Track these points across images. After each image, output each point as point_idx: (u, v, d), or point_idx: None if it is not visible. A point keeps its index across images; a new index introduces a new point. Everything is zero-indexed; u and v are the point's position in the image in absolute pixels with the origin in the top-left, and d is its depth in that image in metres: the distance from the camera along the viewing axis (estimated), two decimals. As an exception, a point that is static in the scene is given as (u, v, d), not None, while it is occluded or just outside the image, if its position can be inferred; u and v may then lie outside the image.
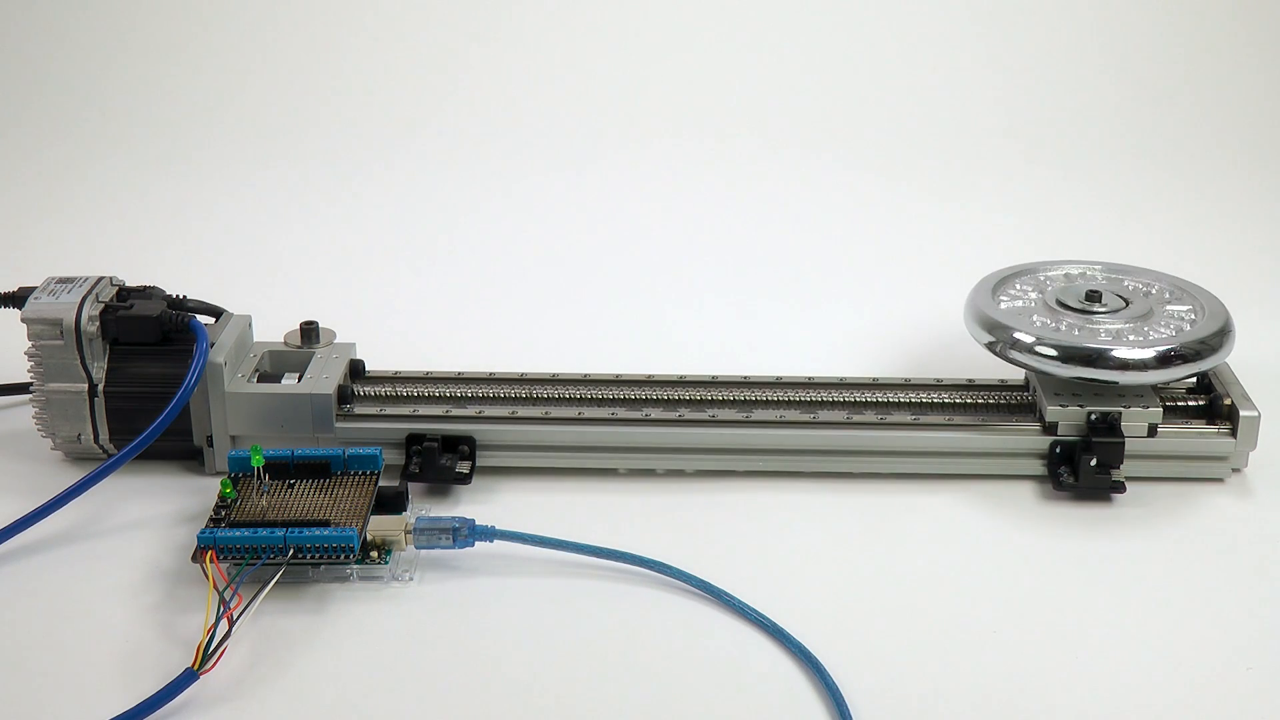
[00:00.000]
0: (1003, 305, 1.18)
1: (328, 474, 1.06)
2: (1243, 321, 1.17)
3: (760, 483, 1.13)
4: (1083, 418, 1.11)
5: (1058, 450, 1.11)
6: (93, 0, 1.79)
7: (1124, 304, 1.17)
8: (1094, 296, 1.17)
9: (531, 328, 1.38)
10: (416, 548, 1.02)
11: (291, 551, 0.98)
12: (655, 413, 1.14)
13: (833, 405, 1.15)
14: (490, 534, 1.02)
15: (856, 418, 1.13)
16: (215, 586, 0.94)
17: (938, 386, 1.16)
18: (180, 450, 1.13)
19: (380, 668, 0.93)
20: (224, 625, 0.92)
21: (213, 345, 1.11)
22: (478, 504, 1.10)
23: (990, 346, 1.14)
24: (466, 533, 1.02)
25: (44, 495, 1.04)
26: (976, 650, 0.95)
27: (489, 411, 1.13)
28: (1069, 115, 1.73)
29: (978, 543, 1.06)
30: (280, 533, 0.97)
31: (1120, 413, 1.10)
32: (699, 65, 1.77)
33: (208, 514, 1.02)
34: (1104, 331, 1.13)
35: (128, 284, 1.16)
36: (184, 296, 1.16)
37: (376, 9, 1.79)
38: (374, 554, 1.01)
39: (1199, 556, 1.05)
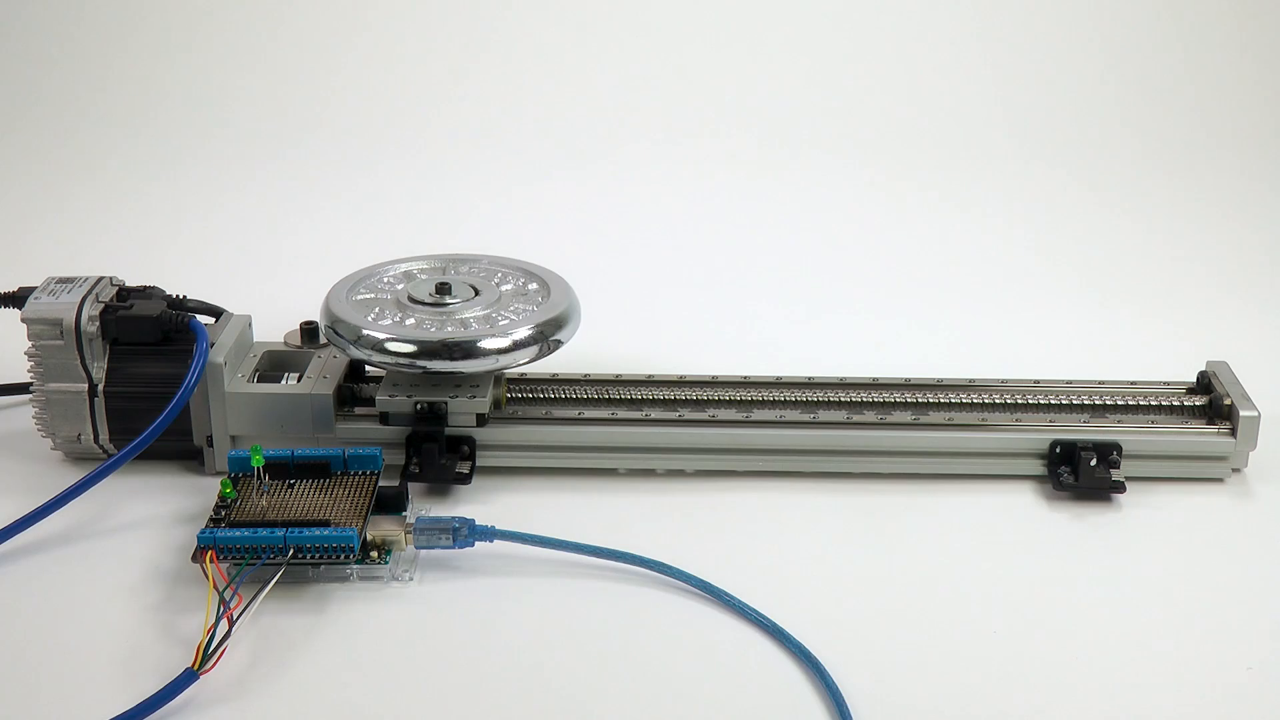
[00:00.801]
0: (358, 303, 1.15)
1: (328, 474, 1.06)
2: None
3: (760, 483, 1.13)
4: (410, 406, 1.10)
5: (1058, 450, 1.11)
6: (93, 1, 1.79)
7: (474, 293, 1.16)
8: (444, 289, 1.15)
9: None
10: (416, 548, 1.02)
11: (291, 551, 0.98)
12: (655, 413, 1.14)
13: (833, 405, 1.15)
14: (490, 534, 1.02)
15: (856, 418, 1.13)
16: (215, 586, 0.94)
17: (938, 386, 1.16)
18: (180, 450, 1.13)
19: (380, 668, 0.93)
20: (224, 625, 0.92)
21: (213, 345, 1.11)
22: (478, 504, 1.10)
23: (344, 346, 1.12)
24: (466, 533, 1.02)
25: (44, 495, 1.04)
26: (976, 650, 0.95)
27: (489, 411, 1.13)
28: (1069, 115, 1.73)
29: (978, 543, 1.06)
30: (280, 533, 0.97)
31: (447, 402, 1.10)
32: (698, 65, 1.77)
33: (208, 514, 1.01)
34: (466, 321, 1.12)
35: (128, 284, 1.16)
36: (184, 296, 1.16)
37: (377, 9, 1.79)
38: (374, 554, 1.01)
39: (1199, 556, 1.05)
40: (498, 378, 1.14)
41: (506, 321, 1.12)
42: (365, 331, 1.10)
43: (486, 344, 1.09)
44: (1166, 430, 1.12)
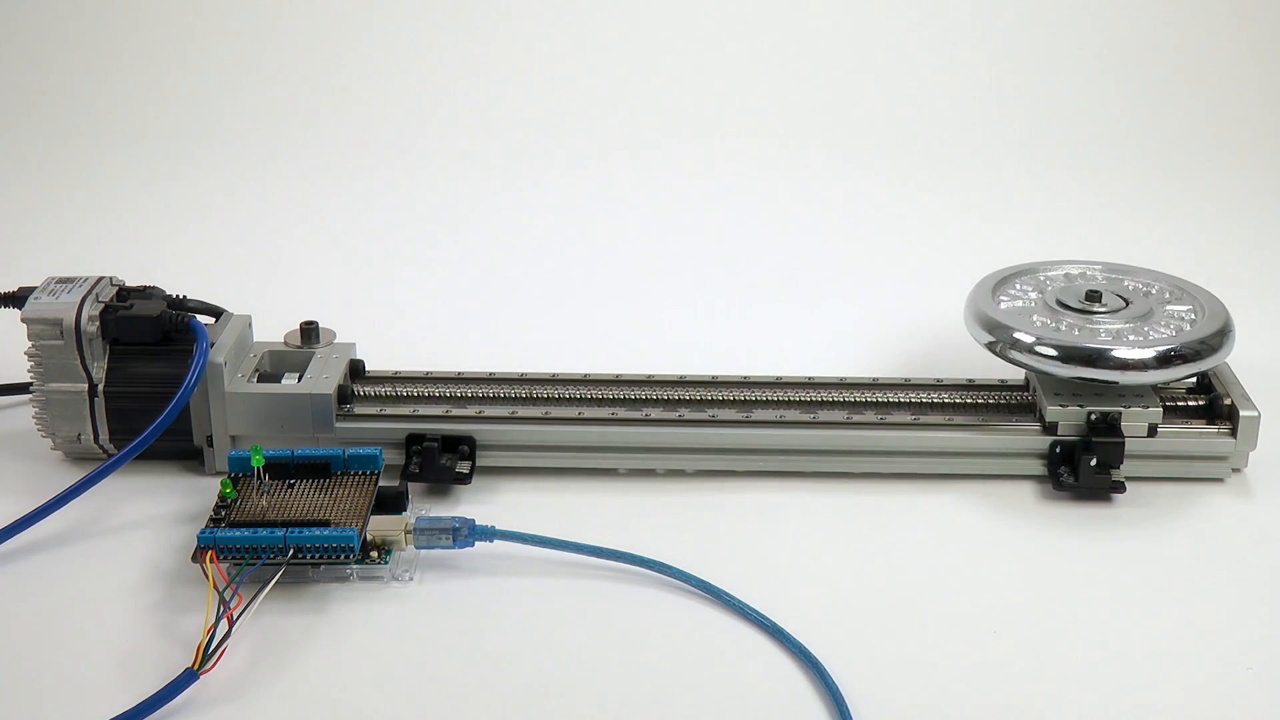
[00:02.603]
0: (1003, 305, 1.18)
1: (328, 474, 1.06)
2: (1243, 321, 1.17)
3: (760, 483, 1.13)
4: (1083, 418, 1.11)
5: (1058, 450, 1.11)
6: (93, 1, 1.79)
7: (1124, 304, 1.17)
8: (1094, 296, 1.17)
9: (531, 328, 1.38)
10: (416, 548, 1.02)
11: (291, 551, 0.98)
12: (655, 413, 1.14)
13: (833, 405, 1.15)
14: (490, 534, 1.02)
15: (856, 418, 1.13)
16: (215, 586, 0.94)
17: (938, 386, 1.16)
18: (180, 450, 1.13)
19: (380, 668, 0.93)
20: (224, 625, 0.92)
21: (213, 345, 1.11)
22: (478, 504, 1.10)
23: (990, 346, 1.14)
24: (466, 533, 1.02)
25: (44, 495, 1.04)
26: (976, 650, 0.95)
27: (489, 411, 1.13)
28: (1070, 116, 1.73)
29: (978, 543, 1.06)
30: (280, 533, 0.97)
31: (1120, 413, 1.10)
32: (698, 65, 1.78)
33: (208, 514, 1.01)
34: (1104, 331, 1.13)
35: (128, 284, 1.16)
36: (184, 296, 1.16)
37: (377, 9, 1.79)
38: (374, 554, 1.01)
39: (1199, 556, 1.05)
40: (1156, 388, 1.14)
41: (1171, 334, 1.13)
42: (1085, 344, 1.11)
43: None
44: (1166, 430, 1.12)
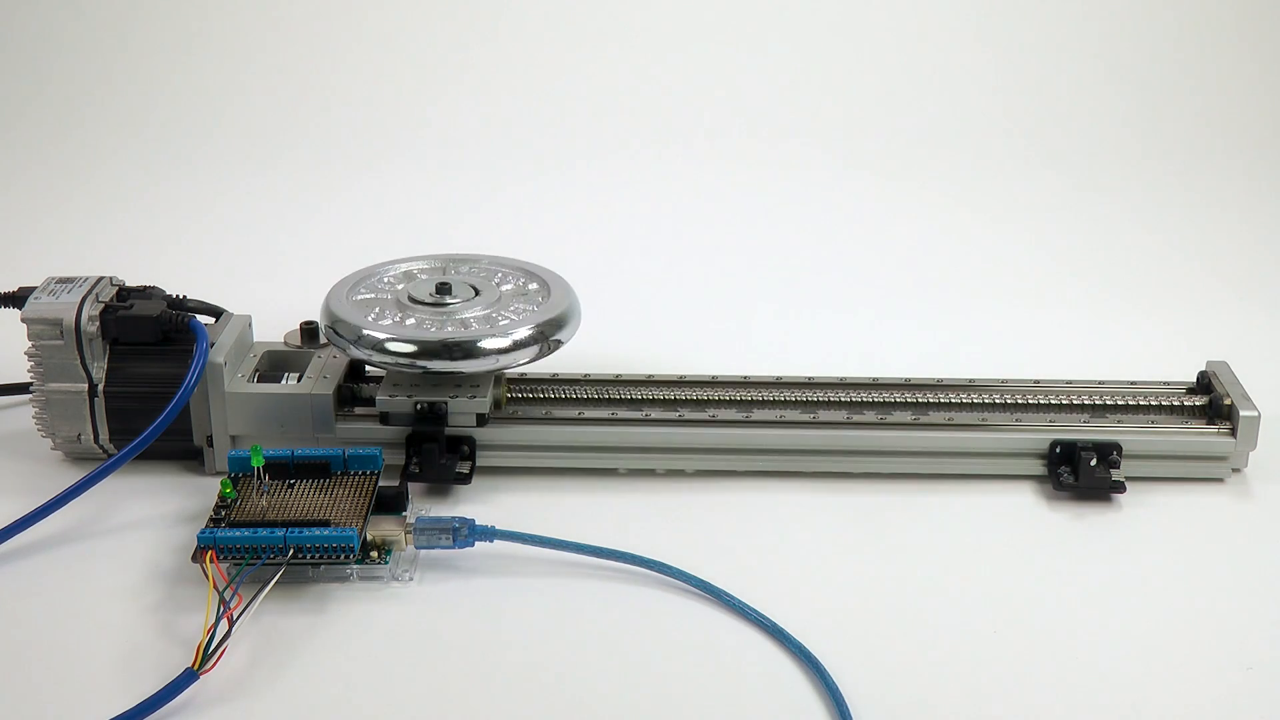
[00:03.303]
0: (358, 303, 1.15)
1: (328, 474, 1.06)
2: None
3: (760, 483, 1.13)
4: (410, 406, 1.10)
5: (1058, 450, 1.11)
6: (93, 1, 1.79)
7: (475, 293, 1.16)
8: (444, 288, 1.15)
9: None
10: (416, 548, 1.02)
11: (291, 551, 0.98)
12: (655, 413, 1.14)
13: (833, 405, 1.15)
14: (490, 534, 1.02)
15: (856, 418, 1.13)
16: (215, 586, 0.94)
17: (938, 386, 1.16)
18: (180, 450, 1.13)
19: (380, 668, 0.93)
20: (224, 625, 0.92)
21: (213, 345, 1.11)
22: (478, 504, 1.10)
23: (345, 346, 1.12)
24: (466, 533, 1.02)
25: (44, 495, 1.04)
26: (976, 650, 0.95)
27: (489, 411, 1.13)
28: (1070, 115, 1.73)
29: (978, 542, 1.06)
30: (280, 533, 0.97)
31: (447, 402, 1.10)
32: (699, 65, 1.77)
33: (208, 514, 1.01)
34: (466, 321, 1.12)
35: (128, 284, 1.16)
36: (184, 296, 1.16)
37: (376, 10, 1.79)
38: (374, 554, 1.01)
39: (1199, 556, 1.05)
40: (498, 378, 1.14)
41: (507, 321, 1.12)
42: (366, 331, 1.10)
43: (487, 344, 1.09)
44: (1166, 430, 1.12)
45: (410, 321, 1.12)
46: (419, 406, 1.10)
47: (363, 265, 1.21)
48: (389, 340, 1.09)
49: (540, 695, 0.91)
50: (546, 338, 1.11)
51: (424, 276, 1.19)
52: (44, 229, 1.57)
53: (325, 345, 1.16)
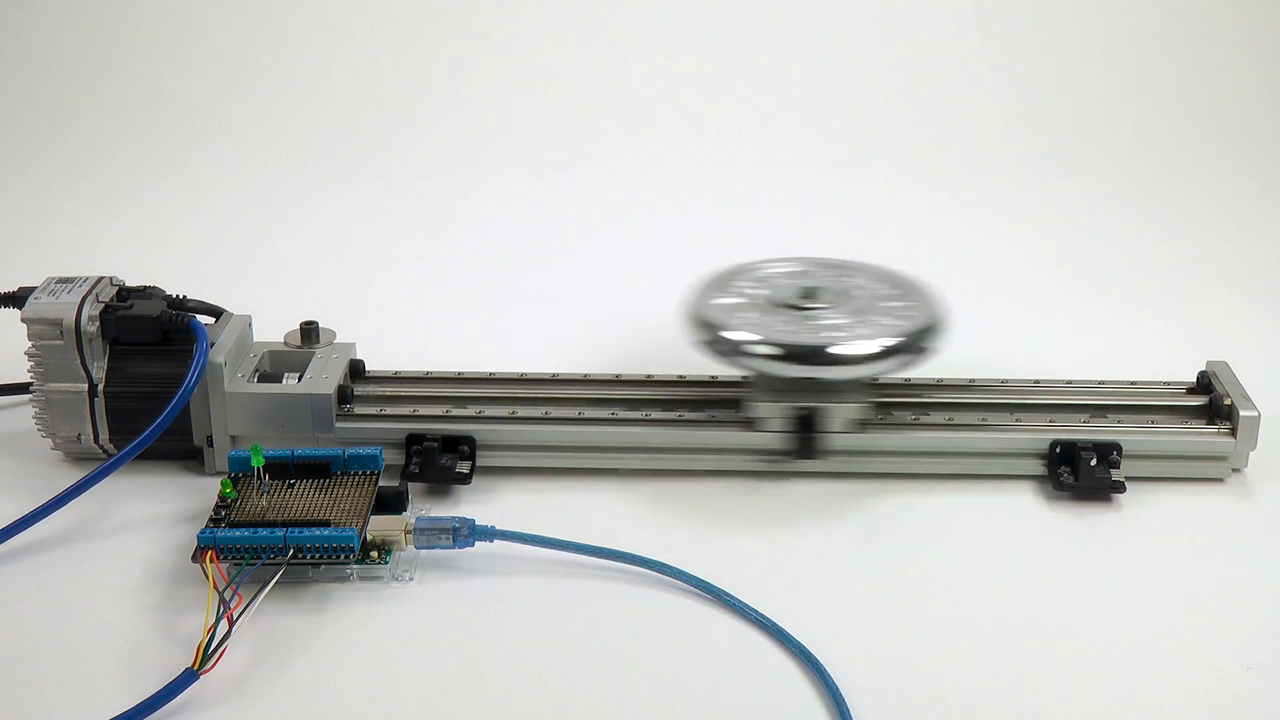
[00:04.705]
0: (721, 303, 1.15)
1: (328, 474, 1.06)
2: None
3: (760, 483, 1.13)
4: (781, 413, 1.10)
5: (1058, 450, 1.11)
6: (93, 1, 1.79)
7: (840, 298, 1.16)
8: (811, 293, 1.15)
9: (531, 328, 1.38)
10: (416, 548, 1.02)
11: (291, 551, 0.98)
12: (655, 413, 1.14)
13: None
14: (490, 534, 1.02)
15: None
16: (215, 586, 0.94)
17: (938, 386, 1.16)
18: (180, 450, 1.13)
19: (380, 668, 0.93)
20: (224, 625, 0.92)
21: (213, 345, 1.11)
22: (478, 504, 1.10)
23: (706, 345, 1.12)
24: (466, 533, 1.02)
25: (44, 495, 1.04)
26: (976, 650, 0.95)
27: (489, 411, 1.13)
28: (1070, 115, 1.73)
29: (978, 543, 1.06)
30: (280, 533, 0.97)
31: (819, 409, 1.10)
32: (699, 64, 1.77)
33: (208, 514, 1.01)
34: (821, 327, 1.12)
35: (128, 284, 1.16)
36: (184, 296, 1.16)
37: (376, 10, 1.79)
38: (374, 554, 1.01)
39: (1199, 556, 1.05)
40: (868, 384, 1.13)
41: (875, 329, 1.11)
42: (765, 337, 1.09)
43: (855, 350, 1.08)
44: (1166, 430, 1.12)
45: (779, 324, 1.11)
46: (799, 413, 1.09)
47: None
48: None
49: (540, 695, 0.91)
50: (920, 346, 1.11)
51: (787, 280, 1.17)
52: (44, 229, 1.57)
53: (325, 345, 1.16)
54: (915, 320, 1.12)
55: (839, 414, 1.10)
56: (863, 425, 1.11)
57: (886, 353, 1.09)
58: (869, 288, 1.17)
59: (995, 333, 1.38)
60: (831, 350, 1.08)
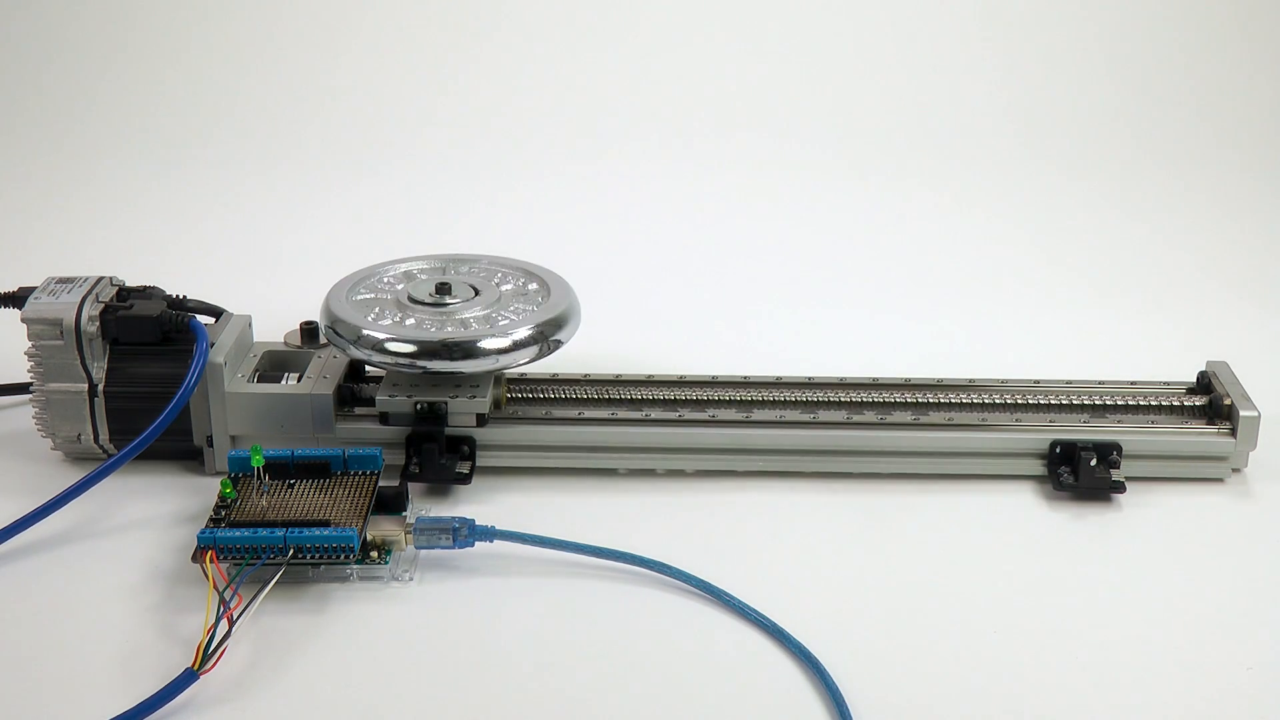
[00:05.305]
0: (357, 303, 1.15)
1: (328, 474, 1.06)
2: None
3: (760, 483, 1.13)
4: (410, 406, 1.10)
5: (1058, 450, 1.11)
6: (93, 1, 1.79)
7: (475, 293, 1.16)
8: (444, 289, 1.15)
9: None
10: (416, 548, 1.02)
11: (291, 551, 0.98)
12: (655, 413, 1.14)
13: (833, 405, 1.15)
14: (490, 534, 1.02)
15: (856, 418, 1.13)
16: (215, 586, 0.94)
17: (938, 386, 1.16)
18: (180, 450, 1.13)
19: (380, 668, 0.93)
20: (224, 625, 0.92)
21: (213, 345, 1.11)
22: (478, 504, 1.10)
23: (344, 346, 1.12)
24: (466, 533, 1.02)
25: (44, 495, 1.04)
26: (976, 650, 0.95)
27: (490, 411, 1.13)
28: (1070, 114, 1.73)
29: (978, 543, 1.06)
30: (280, 533, 0.97)
31: (447, 402, 1.10)
32: (699, 64, 1.77)
33: (208, 514, 1.01)
34: (466, 321, 1.12)
35: (128, 284, 1.16)
36: (184, 296, 1.16)
37: (376, 10, 1.79)
38: (374, 554, 1.01)
39: (1199, 556, 1.05)
40: (498, 378, 1.14)
41: (506, 321, 1.12)
42: (365, 331, 1.10)
43: (486, 344, 1.09)
44: (1166, 430, 1.12)
45: (410, 321, 1.12)
46: (419, 406, 1.10)
47: (363, 265, 1.21)
48: (389, 340, 1.09)
49: (540, 695, 0.91)
50: (546, 338, 1.11)
51: (424, 276, 1.19)
52: (44, 229, 1.57)
53: (325, 345, 1.16)
54: (545, 313, 1.12)
55: (466, 408, 1.10)
56: (486, 420, 1.11)
57: (515, 346, 1.10)
58: (502, 282, 1.18)
59: (995, 333, 1.38)
60: (464, 344, 1.09)
